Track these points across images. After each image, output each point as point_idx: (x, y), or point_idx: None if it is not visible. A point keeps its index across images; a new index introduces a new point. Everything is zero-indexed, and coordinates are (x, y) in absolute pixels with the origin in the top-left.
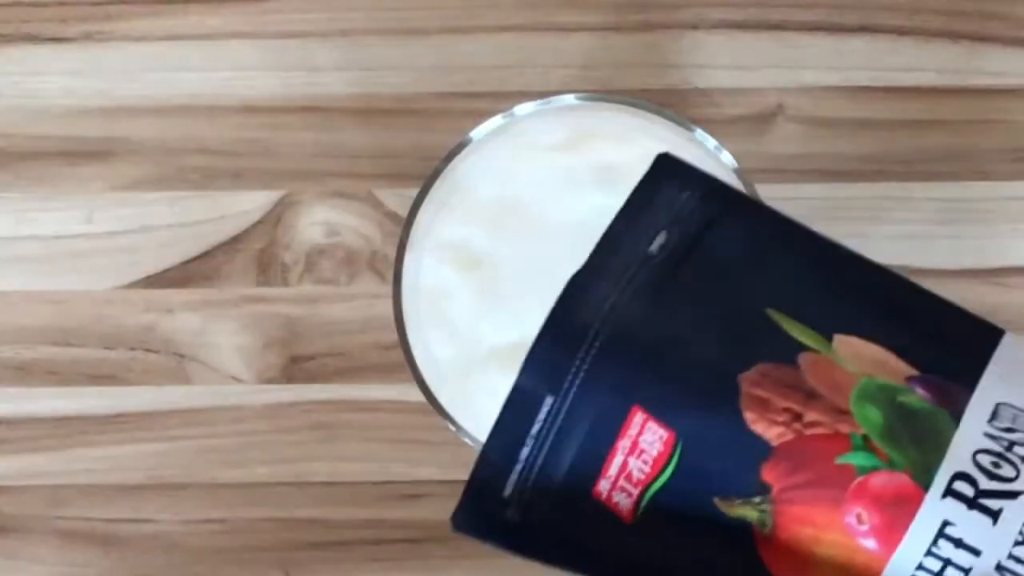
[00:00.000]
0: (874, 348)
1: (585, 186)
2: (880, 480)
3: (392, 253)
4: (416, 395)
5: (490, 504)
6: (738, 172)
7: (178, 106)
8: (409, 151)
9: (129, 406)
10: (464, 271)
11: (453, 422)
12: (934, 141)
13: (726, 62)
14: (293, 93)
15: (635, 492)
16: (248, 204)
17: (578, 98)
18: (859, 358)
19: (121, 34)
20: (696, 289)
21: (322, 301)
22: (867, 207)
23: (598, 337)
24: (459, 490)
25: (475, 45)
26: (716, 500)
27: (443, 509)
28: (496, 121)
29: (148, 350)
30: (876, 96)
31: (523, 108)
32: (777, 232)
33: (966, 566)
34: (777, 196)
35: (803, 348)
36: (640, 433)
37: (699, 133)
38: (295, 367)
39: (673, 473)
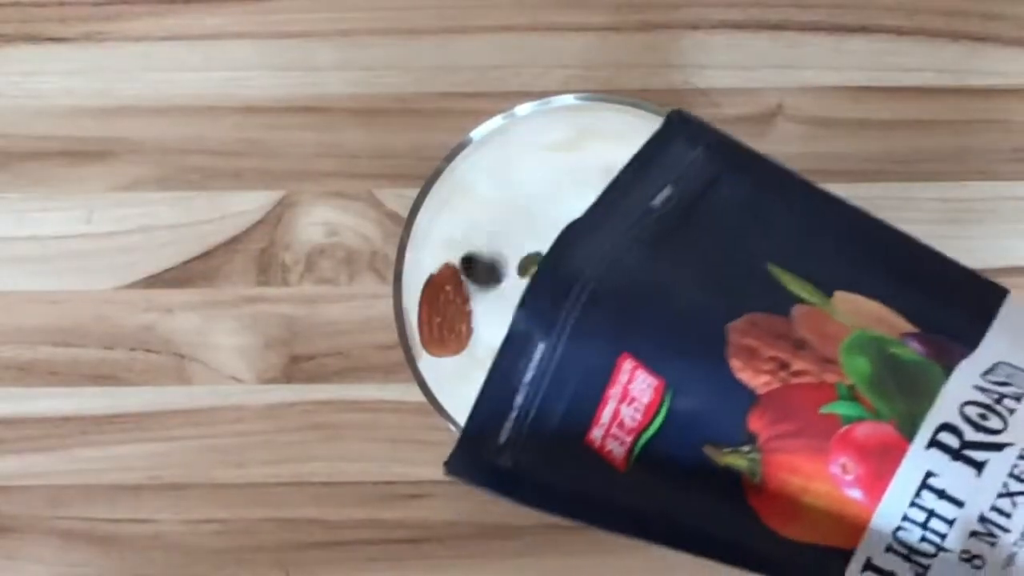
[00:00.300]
0: (874, 305)
1: (585, 186)
2: (865, 430)
3: (392, 253)
4: (416, 395)
5: (485, 450)
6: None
7: (178, 106)
8: (409, 151)
9: (129, 406)
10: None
11: (453, 422)
12: (934, 141)
13: (726, 62)
14: (293, 93)
15: (627, 440)
16: (248, 204)
17: (578, 98)
18: (858, 313)
19: (121, 34)
20: (695, 242)
21: (322, 301)
22: (867, 207)
23: (589, 284)
24: (459, 490)
25: (475, 45)
26: (706, 448)
27: (443, 509)
28: (496, 121)
29: (148, 350)
30: (876, 96)
31: (523, 108)
32: (783, 188)
33: (950, 517)
34: None
35: (799, 301)
36: (630, 381)
37: None
38: (295, 367)
39: (664, 421)
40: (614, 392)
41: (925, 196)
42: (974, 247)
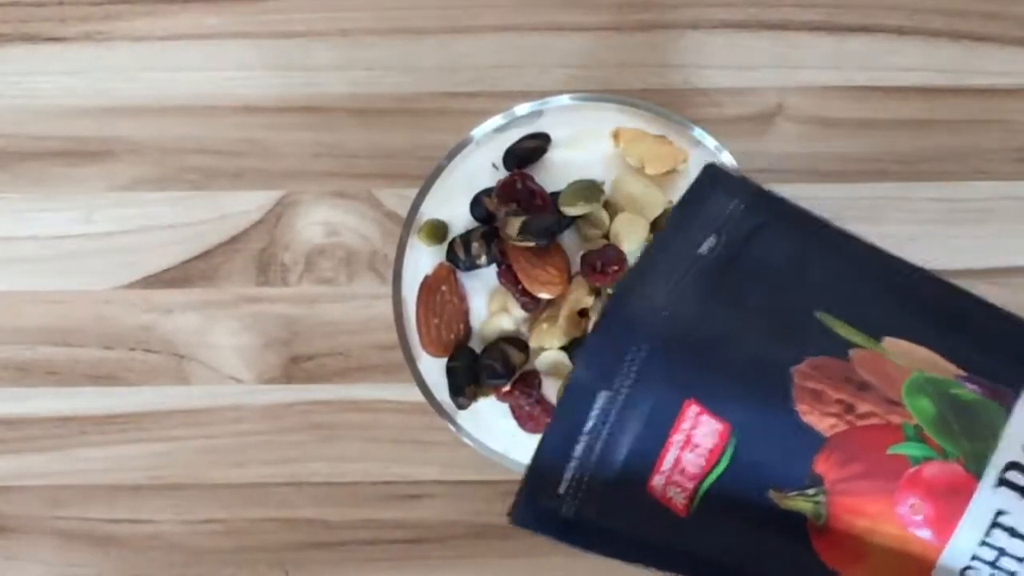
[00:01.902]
0: (923, 350)
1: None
2: (933, 470)
3: (392, 253)
4: (416, 395)
5: (545, 500)
6: (738, 172)
7: (178, 106)
8: (409, 151)
9: (129, 406)
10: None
11: (453, 422)
12: (934, 141)
13: (726, 62)
14: (292, 93)
15: (689, 486)
16: (248, 204)
17: (577, 98)
18: (909, 356)
19: (121, 34)
20: (746, 289)
21: (322, 301)
22: (867, 207)
23: (651, 332)
24: (459, 490)
25: (475, 45)
26: (770, 492)
27: (443, 509)
28: (496, 121)
29: (147, 350)
30: (876, 96)
31: (523, 108)
32: (822, 237)
33: (1020, 555)
34: None
35: (853, 345)
36: (694, 427)
37: (699, 133)
38: (295, 367)
39: (727, 466)
40: (677, 438)
41: (925, 196)
42: (974, 247)
